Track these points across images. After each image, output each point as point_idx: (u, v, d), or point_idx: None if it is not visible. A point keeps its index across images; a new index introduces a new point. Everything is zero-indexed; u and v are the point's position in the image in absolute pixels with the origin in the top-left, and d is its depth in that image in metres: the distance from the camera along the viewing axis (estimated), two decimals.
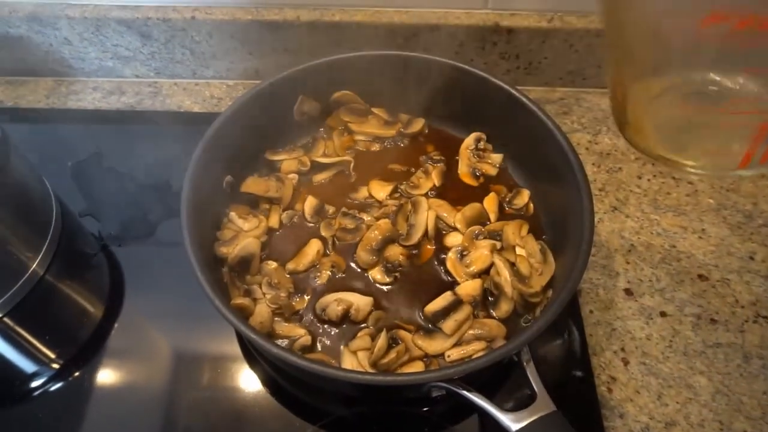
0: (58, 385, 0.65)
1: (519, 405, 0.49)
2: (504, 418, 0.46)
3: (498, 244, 0.66)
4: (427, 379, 0.47)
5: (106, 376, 0.65)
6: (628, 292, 0.71)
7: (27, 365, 0.67)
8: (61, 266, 0.72)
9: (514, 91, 0.68)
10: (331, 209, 0.70)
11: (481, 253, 0.65)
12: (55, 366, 0.66)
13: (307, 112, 0.74)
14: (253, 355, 0.65)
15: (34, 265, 0.69)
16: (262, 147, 0.74)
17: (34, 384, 0.65)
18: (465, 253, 0.66)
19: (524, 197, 0.71)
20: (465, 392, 0.47)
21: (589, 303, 0.70)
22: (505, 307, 0.62)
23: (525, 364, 0.50)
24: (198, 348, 0.68)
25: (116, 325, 0.69)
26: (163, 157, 0.80)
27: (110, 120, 0.86)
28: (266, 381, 0.64)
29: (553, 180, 0.66)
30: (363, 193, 0.72)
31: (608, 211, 0.78)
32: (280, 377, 0.64)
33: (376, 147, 0.76)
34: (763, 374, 0.65)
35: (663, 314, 0.69)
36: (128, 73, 0.90)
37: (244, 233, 0.66)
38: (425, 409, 0.62)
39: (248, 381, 0.64)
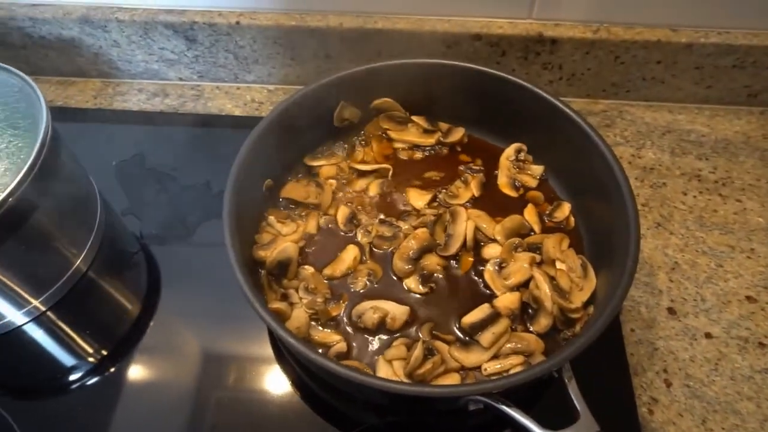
0: (95, 379, 0.66)
1: (557, 423, 0.47)
2: None
3: (537, 258, 0.65)
4: (468, 392, 0.47)
5: (140, 372, 0.66)
6: (671, 311, 0.69)
7: (67, 359, 0.68)
8: (103, 263, 0.73)
9: (557, 102, 0.67)
10: (364, 218, 0.69)
11: (520, 266, 0.64)
12: (93, 360, 0.67)
13: (347, 118, 0.75)
14: (285, 358, 0.66)
15: (78, 261, 0.70)
16: (301, 152, 0.74)
17: (72, 377, 0.66)
18: (504, 265, 0.65)
19: (565, 210, 0.70)
20: (504, 407, 0.46)
21: (630, 321, 0.68)
22: (544, 322, 0.60)
23: (567, 381, 0.48)
24: (230, 349, 0.68)
25: (152, 323, 0.70)
26: (204, 160, 0.82)
27: (154, 121, 0.88)
28: (297, 385, 0.64)
29: (596, 194, 0.64)
30: (401, 200, 0.71)
31: (651, 228, 0.76)
32: (313, 382, 0.64)
33: (415, 155, 0.76)
34: None
35: (708, 335, 0.67)
36: (172, 76, 0.92)
37: (282, 237, 0.66)
38: (457, 421, 0.61)
39: (279, 384, 0.65)
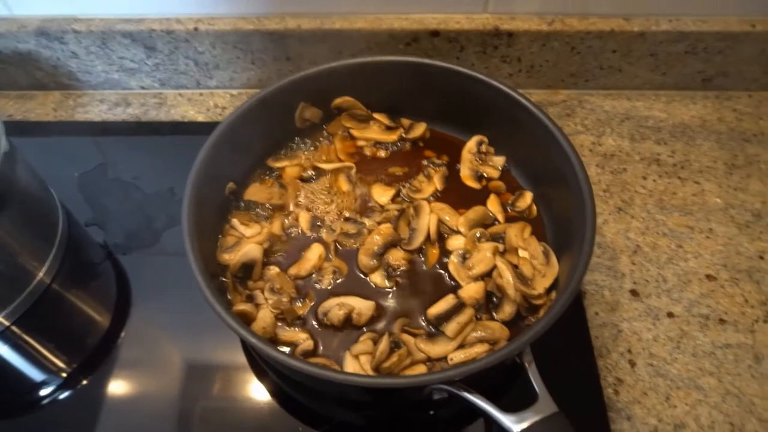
0: (66, 393, 0.65)
1: (521, 407, 0.48)
2: (505, 419, 0.45)
3: (501, 247, 0.66)
4: (428, 381, 0.47)
5: (114, 384, 0.66)
6: (634, 293, 0.70)
7: (35, 374, 0.67)
8: (68, 275, 0.73)
9: (514, 94, 0.68)
10: (327, 218, 0.70)
11: (484, 256, 0.65)
12: (63, 375, 0.67)
13: (308, 119, 0.75)
14: (257, 362, 0.66)
15: (41, 274, 0.70)
16: (264, 154, 0.74)
17: (43, 393, 0.65)
18: (467, 256, 0.66)
19: (527, 199, 0.71)
20: (466, 394, 0.47)
21: (594, 305, 0.69)
22: (508, 310, 0.61)
23: (527, 365, 0.49)
24: (204, 356, 0.68)
25: (123, 334, 0.69)
26: (168, 167, 0.81)
27: (116, 131, 0.88)
28: (271, 387, 0.65)
29: (556, 182, 0.66)
30: (366, 197, 0.72)
31: (613, 212, 0.77)
32: (285, 383, 0.64)
33: (378, 152, 0.76)
34: None
35: (670, 315, 0.68)
36: (134, 85, 0.91)
37: (246, 239, 0.66)
38: (430, 413, 0.62)
39: (253, 388, 0.65)
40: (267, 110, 0.69)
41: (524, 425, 0.44)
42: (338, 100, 0.75)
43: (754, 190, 0.79)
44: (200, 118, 0.89)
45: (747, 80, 0.88)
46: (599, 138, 0.85)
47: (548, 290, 0.62)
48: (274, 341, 0.61)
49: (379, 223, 0.68)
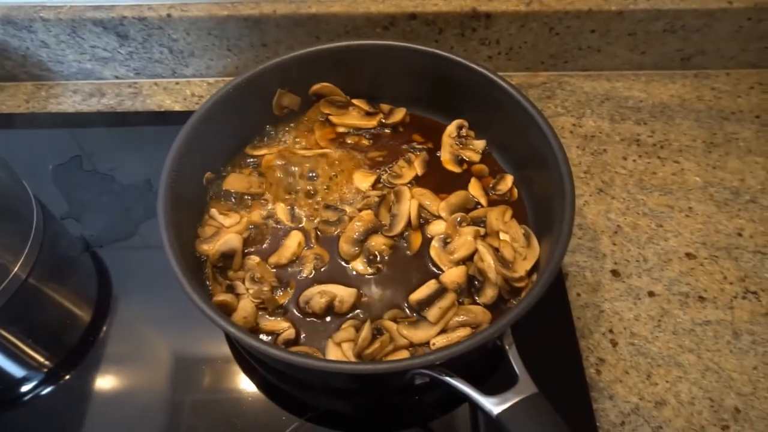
0: (49, 389, 0.64)
1: (503, 390, 0.48)
2: (485, 402, 0.45)
3: (481, 230, 0.66)
4: (407, 366, 0.47)
5: (97, 378, 0.65)
6: (615, 273, 0.70)
7: (15, 370, 0.67)
8: (44, 270, 0.71)
9: (493, 76, 0.68)
10: (306, 207, 0.69)
11: (465, 240, 0.64)
12: (44, 370, 0.66)
13: (286, 106, 0.74)
14: (241, 352, 0.65)
15: (16, 269, 0.68)
16: (243, 142, 0.73)
17: (24, 389, 0.64)
18: (448, 240, 0.65)
19: (508, 182, 0.71)
20: (447, 378, 0.47)
21: (576, 286, 0.69)
22: (490, 293, 0.61)
23: (507, 347, 0.49)
24: (189, 348, 0.67)
25: (105, 328, 0.69)
26: (145, 158, 0.79)
27: (91, 122, 0.86)
28: (254, 377, 0.64)
29: (536, 164, 0.65)
30: (346, 184, 0.71)
31: (594, 194, 0.77)
32: (268, 373, 0.64)
33: (357, 138, 0.75)
34: (753, 350, 0.64)
35: (651, 294, 0.69)
36: (108, 75, 0.89)
37: (225, 229, 0.66)
38: (415, 399, 0.62)
39: (237, 378, 0.64)
40: (243, 98, 0.68)
41: (504, 407, 0.44)
42: (316, 87, 0.74)
43: (732, 167, 0.79)
44: (177, 108, 0.88)
45: (725, 58, 0.89)
46: (579, 119, 0.85)
47: (529, 273, 0.62)
48: (256, 331, 0.60)
49: (360, 210, 0.68)
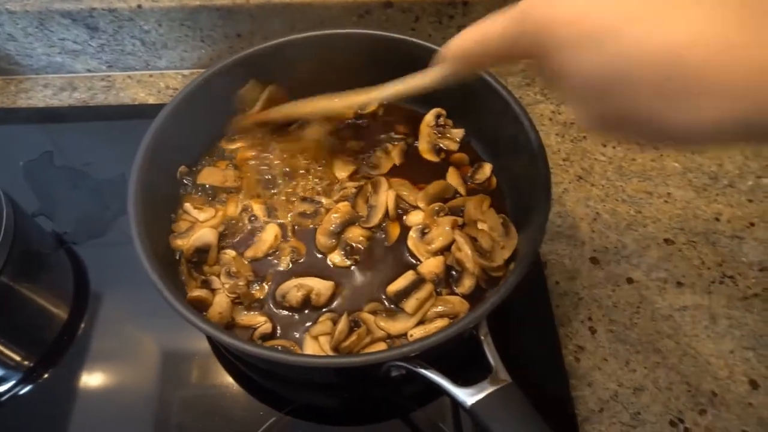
0: (27, 388, 0.64)
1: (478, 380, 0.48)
2: (459, 393, 0.45)
3: (459, 220, 0.65)
4: (380, 359, 0.47)
5: (75, 376, 0.64)
6: (594, 260, 0.70)
7: None
8: (17, 268, 0.69)
9: None
10: (283, 203, 0.68)
11: (443, 230, 0.64)
12: (22, 370, 0.65)
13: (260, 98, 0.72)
14: (219, 348, 0.65)
15: None
16: (217, 135, 0.72)
17: (1, 389, 0.63)
18: (426, 231, 0.65)
19: (486, 171, 0.70)
20: (421, 370, 0.47)
21: (555, 274, 0.69)
22: (467, 283, 0.61)
23: (482, 338, 0.49)
24: (167, 344, 0.66)
25: (83, 325, 0.68)
26: (118, 152, 0.77)
27: (63, 117, 0.84)
28: (234, 372, 0.64)
29: (514, 152, 0.65)
30: (324, 175, 0.70)
31: (573, 181, 0.77)
32: (246, 368, 0.63)
33: (335, 129, 0.74)
34: (730, 334, 0.65)
35: (630, 281, 0.69)
36: (79, 68, 0.87)
37: (199, 224, 0.65)
38: (394, 391, 0.62)
39: (216, 373, 0.64)
40: (216, 90, 0.67)
41: (478, 397, 0.44)
42: (271, 88, 0.72)
43: (710, 153, 0.79)
44: (151, 101, 0.86)
45: None
46: (559, 107, 0.85)
47: (507, 262, 0.61)
48: (232, 326, 0.60)
49: (336, 202, 0.67)
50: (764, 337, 0.64)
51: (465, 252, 0.61)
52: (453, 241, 0.63)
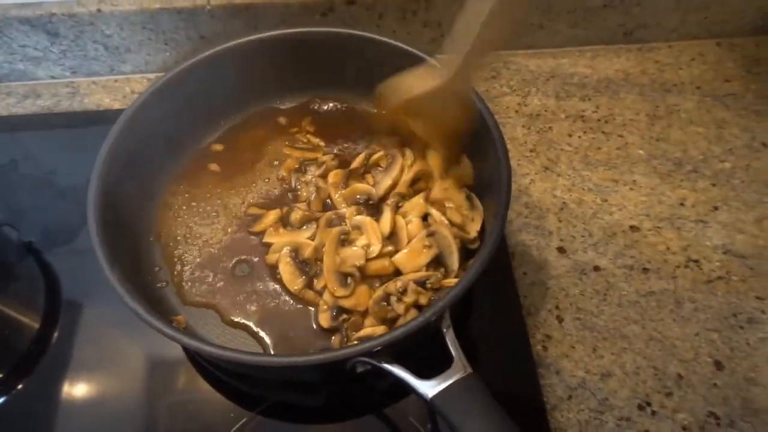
0: (0, 400, 0.63)
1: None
2: (420, 385, 0.45)
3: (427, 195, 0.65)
4: (345, 355, 0.47)
5: (50, 385, 0.63)
6: (561, 250, 0.71)
7: None
8: None
9: (428, 58, 0.67)
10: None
11: (417, 202, 0.63)
12: None
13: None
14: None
15: None
16: (190, 133, 0.71)
17: None
18: (400, 204, 0.64)
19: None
20: (384, 365, 0.47)
21: (522, 265, 0.70)
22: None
23: (444, 330, 0.49)
24: (141, 350, 0.66)
25: (56, 333, 0.67)
26: (84, 159, 0.77)
27: (27, 125, 0.83)
28: (206, 375, 0.63)
29: (480, 149, 0.65)
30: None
31: (540, 172, 0.78)
32: (216, 369, 0.63)
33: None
34: (695, 317, 0.65)
35: (596, 269, 0.69)
36: (42, 75, 0.86)
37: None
38: (365, 388, 0.62)
39: (190, 377, 0.63)
40: (178, 92, 0.67)
41: (438, 389, 0.44)
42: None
43: (675, 139, 0.80)
44: (117, 106, 0.85)
45: (666, 31, 0.89)
46: (525, 98, 0.85)
47: (480, 233, 0.61)
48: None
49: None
50: (728, 318, 0.65)
51: (440, 220, 0.61)
52: (427, 213, 0.63)
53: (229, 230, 0.66)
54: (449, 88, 0.58)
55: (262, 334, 0.60)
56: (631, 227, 0.72)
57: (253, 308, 0.61)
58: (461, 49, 0.55)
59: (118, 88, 0.87)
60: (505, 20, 0.53)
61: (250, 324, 0.60)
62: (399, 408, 0.61)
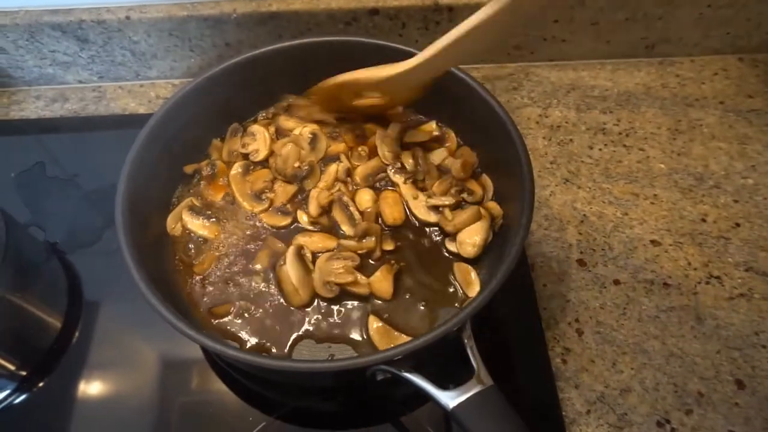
0: (23, 397, 0.64)
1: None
2: (441, 396, 0.45)
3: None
4: (365, 363, 0.47)
5: (70, 385, 0.65)
6: (581, 262, 0.71)
7: None
8: (10, 278, 0.70)
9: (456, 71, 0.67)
10: None
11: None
12: (17, 378, 0.65)
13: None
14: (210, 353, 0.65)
15: None
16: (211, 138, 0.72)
17: None
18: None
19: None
20: (404, 373, 0.47)
21: (542, 277, 0.70)
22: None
23: (465, 341, 0.49)
24: (161, 351, 0.67)
25: (78, 334, 0.68)
26: (109, 162, 0.78)
27: (55, 128, 0.85)
28: (225, 377, 0.64)
29: (503, 163, 0.64)
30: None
31: (560, 184, 0.78)
32: (236, 372, 0.64)
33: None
34: (716, 334, 0.65)
35: (616, 282, 0.69)
36: (71, 79, 0.88)
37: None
38: (383, 396, 0.62)
39: (208, 379, 0.64)
40: (204, 98, 0.68)
41: (459, 400, 0.45)
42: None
43: (696, 154, 0.80)
44: (142, 110, 0.87)
45: (688, 45, 0.89)
46: (546, 110, 0.86)
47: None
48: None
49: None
50: (750, 337, 0.65)
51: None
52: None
53: (248, 233, 0.67)
54: (400, 79, 0.62)
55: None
56: (652, 241, 0.72)
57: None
58: (429, 50, 0.57)
59: (144, 93, 0.89)
60: (486, 37, 0.53)
61: None
62: (416, 417, 0.61)
